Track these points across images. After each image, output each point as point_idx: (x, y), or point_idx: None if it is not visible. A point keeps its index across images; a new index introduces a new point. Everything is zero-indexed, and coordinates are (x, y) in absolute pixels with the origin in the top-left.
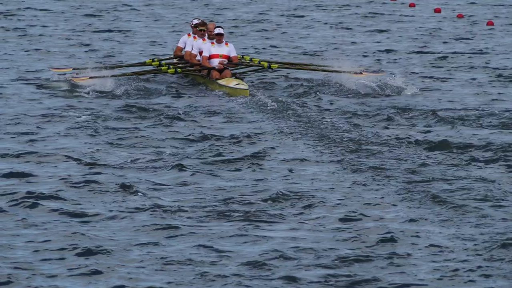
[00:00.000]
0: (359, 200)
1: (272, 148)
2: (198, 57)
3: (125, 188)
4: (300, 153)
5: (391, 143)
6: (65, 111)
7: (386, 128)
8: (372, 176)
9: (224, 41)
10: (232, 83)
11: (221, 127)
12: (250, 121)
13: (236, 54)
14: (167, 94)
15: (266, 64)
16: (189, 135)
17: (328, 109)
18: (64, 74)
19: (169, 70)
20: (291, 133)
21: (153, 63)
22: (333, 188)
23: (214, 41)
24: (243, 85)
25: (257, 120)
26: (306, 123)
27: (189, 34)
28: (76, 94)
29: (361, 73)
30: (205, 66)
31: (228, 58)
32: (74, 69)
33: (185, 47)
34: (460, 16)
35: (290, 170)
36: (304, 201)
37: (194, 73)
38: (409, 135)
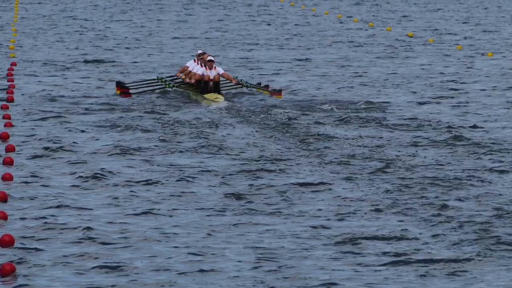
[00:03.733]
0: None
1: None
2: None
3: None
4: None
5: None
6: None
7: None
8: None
9: (214, 66)
10: (213, 96)
11: (198, 126)
12: (220, 122)
13: (221, 73)
14: (164, 104)
15: (243, 83)
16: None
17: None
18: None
19: (167, 86)
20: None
21: (160, 80)
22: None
23: (207, 66)
24: (220, 98)
25: (228, 122)
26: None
27: (194, 60)
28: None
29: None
30: (198, 84)
31: (218, 77)
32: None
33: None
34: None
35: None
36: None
37: (187, 88)
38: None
